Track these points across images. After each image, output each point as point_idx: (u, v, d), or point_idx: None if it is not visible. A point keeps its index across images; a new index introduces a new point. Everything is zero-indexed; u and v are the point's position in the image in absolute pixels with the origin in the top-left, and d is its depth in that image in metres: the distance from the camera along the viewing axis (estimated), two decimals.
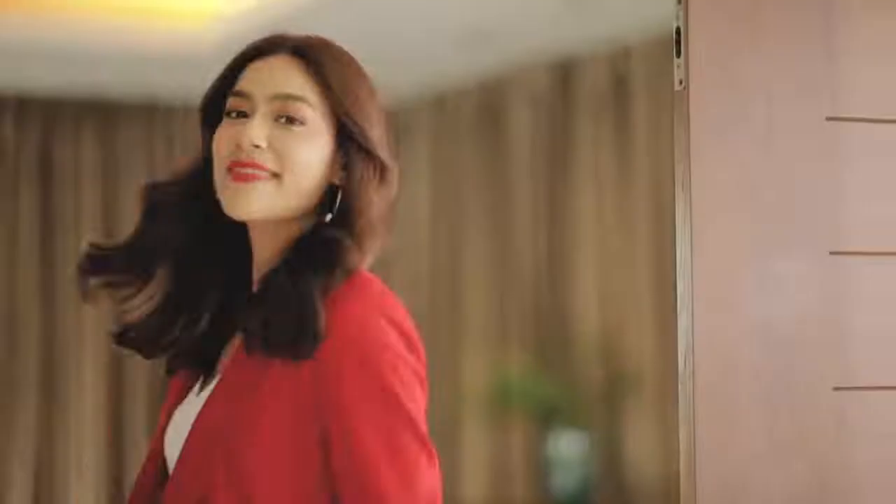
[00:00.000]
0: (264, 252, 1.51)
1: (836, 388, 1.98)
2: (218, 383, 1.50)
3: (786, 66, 2.00)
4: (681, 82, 1.97)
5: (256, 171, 1.46)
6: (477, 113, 5.14)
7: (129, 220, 1.60)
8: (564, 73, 4.79)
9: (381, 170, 1.53)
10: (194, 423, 1.49)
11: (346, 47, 1.53)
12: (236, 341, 1.50)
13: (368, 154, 1.51)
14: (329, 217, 1.50)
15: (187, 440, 1.48)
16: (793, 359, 1.96)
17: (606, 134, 4.62)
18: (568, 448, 4.45)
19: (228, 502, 1.43)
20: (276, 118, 1.48)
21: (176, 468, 1.49)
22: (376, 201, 1.53)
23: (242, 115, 1.49)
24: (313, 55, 1.51)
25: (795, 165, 1.98)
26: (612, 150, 4.59)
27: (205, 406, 1.49)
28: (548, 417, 4.61)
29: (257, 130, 1.46)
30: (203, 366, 1.56)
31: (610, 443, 4.57)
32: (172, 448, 1.52)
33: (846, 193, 2.01)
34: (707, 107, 1.94)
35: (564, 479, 4.45)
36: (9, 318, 5.02)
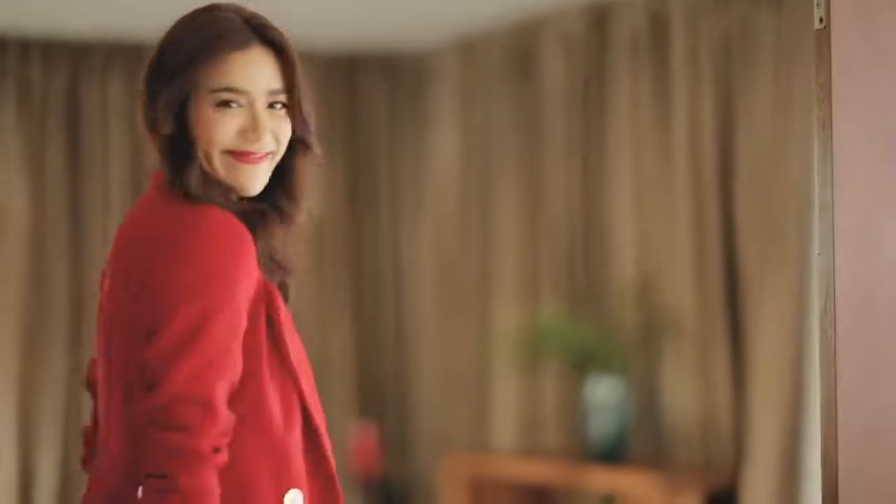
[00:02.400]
0: None
1: None
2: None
3: None
4: (821, 20, 1.93)
5: (266, 154, 1.84)
6: (507, 58, 5.08)
7: (154, 163, 1.87)
8: (599, 15, 4.73)
9: (311, 146, 1.91)
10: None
11: None
12: None
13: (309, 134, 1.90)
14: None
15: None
16: None
17: (644, 78, 4.56)
18: (604, 395, 4.44)
19: None
20: (268, 106, 1.83)
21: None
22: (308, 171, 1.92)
23: (235, 104, 1.80)
24: (284, 50, 1.83)
25: None
26: (649, 95, 4.54)
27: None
28: (583, 364, 4.59)
29: (269, 123, 1.82)
30: None
31: (647, 389, 4.56)
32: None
33: None
34: (848, 45, 1.91)
35: (600, 426, 4.43)
36: (38, 261, 4.96)
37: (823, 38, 1.92)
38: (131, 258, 1.78)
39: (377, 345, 5.56)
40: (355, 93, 5.53)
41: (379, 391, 5.55)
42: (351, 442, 5.27)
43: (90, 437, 2.03)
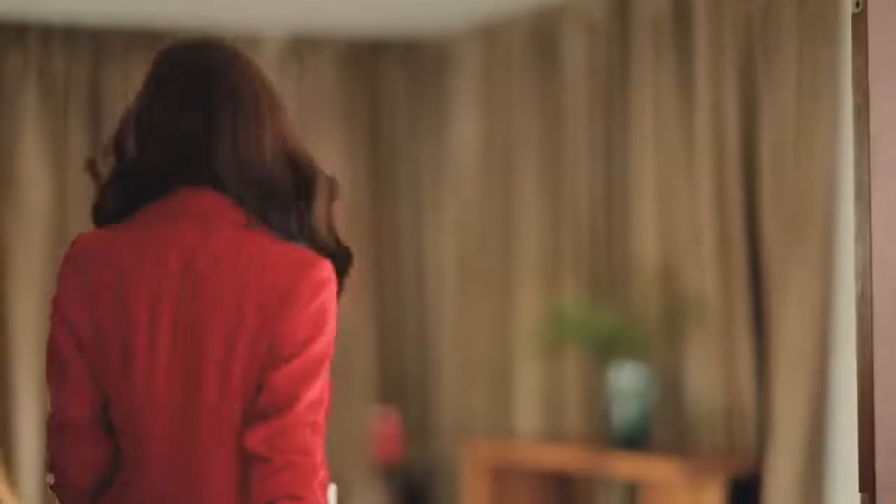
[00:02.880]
0: None
1: None
2: None
3: None
4: (857, 4, 1.92)
5: None
6: (529, 43, 5.07)
7: None
8: (622, 0, 4.72)
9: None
10: None
11: None
12: None
13: None
14: None
15: None
16: None
17: (667, 63, 4.55)
18: (627, 381, 4.43)
19: None
20: None
21: None
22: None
23: None
24: None
25: None
26: (672, 79, 4.53)
27: None
28: (606, 350, 4.59)
29: None
30: None
31: (670, 375, 4.56)
32: None
33: None
34: (886, 30, 1.89)
35: (623, 412, 4.43)
36: (61, 250, 4.95)
37: (860, 22, 1.91)
38: (260, 287, 1.82)
39: (399, 331, 5.56)
40: (376, 78, 5.52)
41: (401, 378, 5.55)
42: (372, 428, 5.28)
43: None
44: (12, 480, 4.78)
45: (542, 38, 5.01)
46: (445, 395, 5.43)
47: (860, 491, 1.92)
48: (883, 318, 1.91)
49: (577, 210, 4.87)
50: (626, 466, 4.41)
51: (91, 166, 1.95)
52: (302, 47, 5.30)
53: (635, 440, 4.44)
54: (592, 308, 4.72)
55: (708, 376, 4.40)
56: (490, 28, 5.22)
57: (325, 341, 1.83)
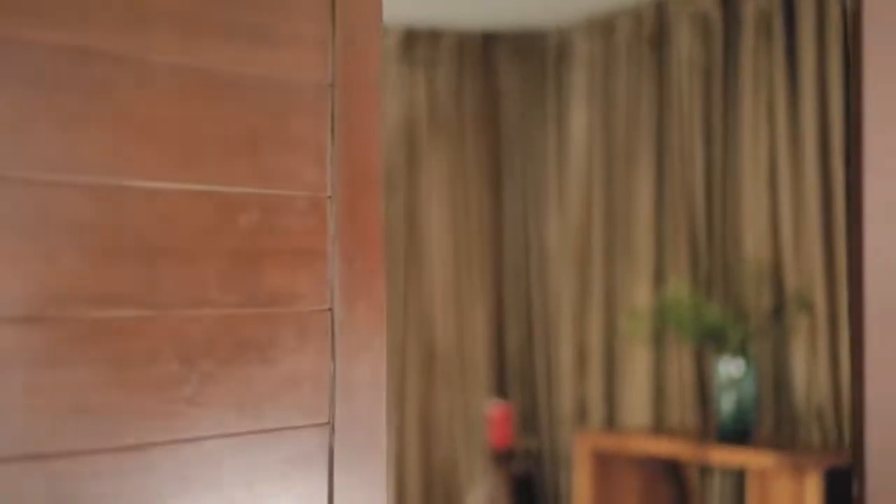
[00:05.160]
0: None
1: None
2: None
3: None
4: None
5: None
6: (638, 35, 5.09)
7: None
8: None
9: None
10: None
11: None
12: None
13: None
14: None
15: None
16: None
17: (773, 56, 4.53)
18: (732, 373, 4.44)
19: None
20: None
21: None
22: None
23: None
24: None
25: None
26: (779, 72, 4.51)
27: None
28: (713, 342, 4.60)
29: None
30: None
31: (775, 368, 4.54)
32: None
33: None
34: (883, 23, 1.91)
35: (729, 405, 4.44)
36: None
37: (856, 16, 1.94)
38: None
39: (512, 322, 5.64)
40: (490, 70, 5.60)
41: (514, 368, 5.63)
42: (487, 417, 5.38)
43: None
44: None
45: (650, 30, 5.04)
46: (558, 385, 5.50)
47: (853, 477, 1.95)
48: (877, 315, 1.94)
49: (689, 201, 4.88)
50: (730, 458, 4.42)
51: None
52: (418, 39, 5.43)
53: (740, 432, 4.44)
54: (700, 300, 4.73)
55: (813, 370, 4.38)
56: (599, 20, 5.26)
57: None
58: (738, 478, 4.67)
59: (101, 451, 1.49)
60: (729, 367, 4.47)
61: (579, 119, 5.38)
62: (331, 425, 1.74)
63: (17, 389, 1.44)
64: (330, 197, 1.76)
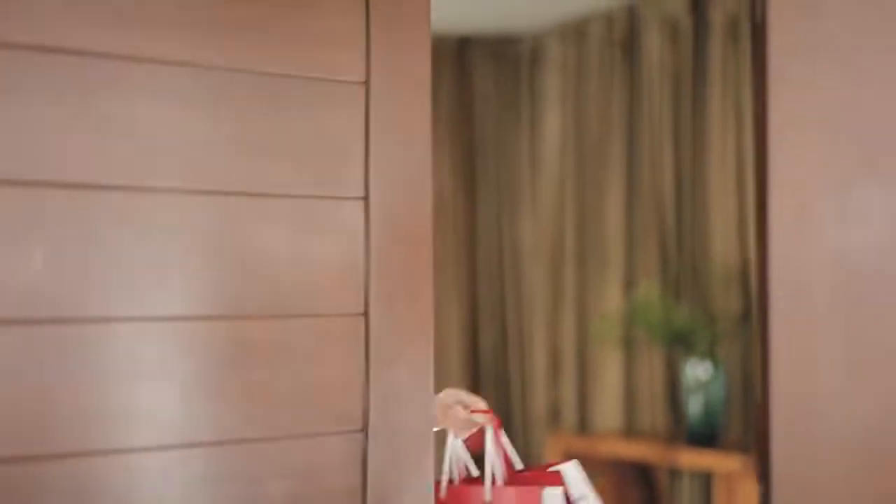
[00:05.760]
0: None
1: None
2: None
3: None
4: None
5: None
6: (609, 40, 5.10)
7: None
8: None
9: None
10: None
11: None
12: None
13: None
14: None
15: None
16: (869, 288, 1.94)
17: (742, 60, 4.56)
18: (701, 377, 4.44)
19: None
20: None
21: None
22: None
23: None
24: None
25: (878, 94, 1.94)
26: (747, 77, 4.53)
27: None
28: (681, 345, 4.61)
29: None
30: None
31: (743, 372, 4.56)
32: None
33: None
34: (787, 34, 1.90)
35: (697, 408, 4.45)
36: None
37: (758, 27, 1.93)
38: None
39: (487, 324, 5.62)
40: (465, 74, 5.58)
41: (489, 371, 5.61)
42: None
43: None
44: None
45: (621, 34, 5.04)
46: (531, 388, 5.48)
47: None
48: (783, 324, 1.94)
49: (658, 204, 4.89)
50: (698, 461, 4.42)
51: None
52: None
53: (708, 436, 4.44)
54: (669, 303, 4.74)
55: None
56: (570, 25, 5.26)
57: None
58: (707, 480, 4.68)
59: None
60: (697, 370, 4.48)
61: (552, 122, 5.38)
62: (364, 432, 1.70)
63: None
64: (365, 197, 1.71)
